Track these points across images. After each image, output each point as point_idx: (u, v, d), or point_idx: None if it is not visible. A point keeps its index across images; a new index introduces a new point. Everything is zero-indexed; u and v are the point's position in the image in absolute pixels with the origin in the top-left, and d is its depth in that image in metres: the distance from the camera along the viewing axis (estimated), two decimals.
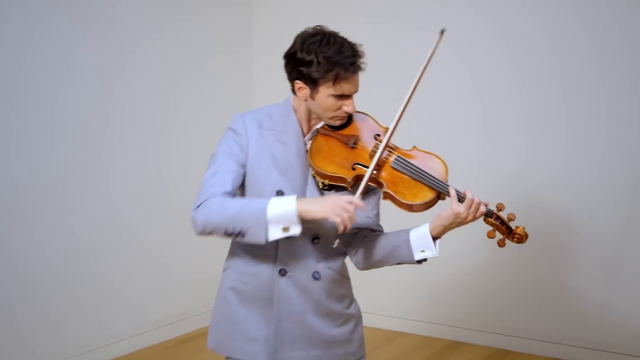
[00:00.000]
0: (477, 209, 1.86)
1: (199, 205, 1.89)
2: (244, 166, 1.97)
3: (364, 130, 2.01)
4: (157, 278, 4.26)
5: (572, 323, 3.87)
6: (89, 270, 3.84)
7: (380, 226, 2.10)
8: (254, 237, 1.83)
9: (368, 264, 2.04)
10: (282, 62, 1.99)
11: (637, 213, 3.69)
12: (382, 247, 1.99)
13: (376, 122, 2.04)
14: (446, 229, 1.90)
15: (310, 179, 1.99)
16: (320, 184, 1.98)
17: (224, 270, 2.12)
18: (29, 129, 3.55)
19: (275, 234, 1.82)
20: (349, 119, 2.02)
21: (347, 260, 2.14)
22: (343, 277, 2.10)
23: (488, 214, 1.90)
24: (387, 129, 1.97)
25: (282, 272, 2.00)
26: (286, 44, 1.94)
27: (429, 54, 1.94)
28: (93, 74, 3.83)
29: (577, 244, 3.84)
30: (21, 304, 3.53)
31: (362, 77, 1.95)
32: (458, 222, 1.87)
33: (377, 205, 2.08)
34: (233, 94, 4.75)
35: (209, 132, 4.60)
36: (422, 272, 4.41)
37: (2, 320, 3.45)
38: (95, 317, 3.88)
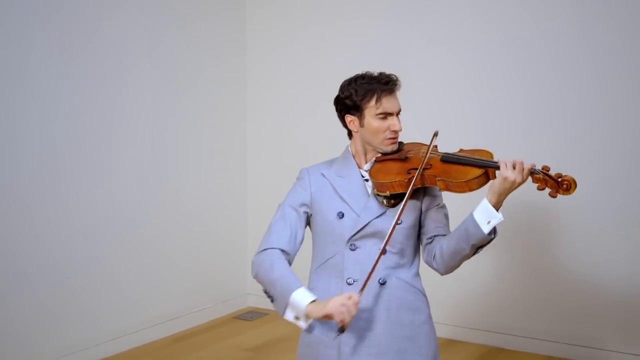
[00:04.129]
0: (522, 168, 1.99)
1: (260, 251, 2.14)
2: (306, 205, 2.21)
3: (414, 149, 2.23)
4: (153, 276, 4.28)
5: (565, 321, 3.90)
6: (86, 268, 3.86)
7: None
8: (277, 308, 2.07)
9: (446, 260, 2.14)
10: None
11: (628, 211, 3.72)
12: (453, 237, 2.11)
13: (422, 143, 2.24)
14: (500, 196, 2.02)
15: (371, 199, 2.17)
16: (384, 202, 2.15)
17: None
18: (32, 125, 3.58)
19: (289, 316, 2.04)
20: (399, 148, 2.22)
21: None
22: (415, 289, 2.22)
23: (534, 172, 2.02)
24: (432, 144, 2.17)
25: (349, 281, 2.15)
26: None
27: (426, 152, 2.13)
28: (92, 78, 3.88)
29: (569, 240, 3.87)
30: (18, 302, 3.54)
31: None
32: (509, 186, 2.00)
33: (446, 217, 2.25)
34: (227, 103, 4.80)
35: (206, 136, 4.64)
36: None
37: None
38: (92, 315, 3.90)
